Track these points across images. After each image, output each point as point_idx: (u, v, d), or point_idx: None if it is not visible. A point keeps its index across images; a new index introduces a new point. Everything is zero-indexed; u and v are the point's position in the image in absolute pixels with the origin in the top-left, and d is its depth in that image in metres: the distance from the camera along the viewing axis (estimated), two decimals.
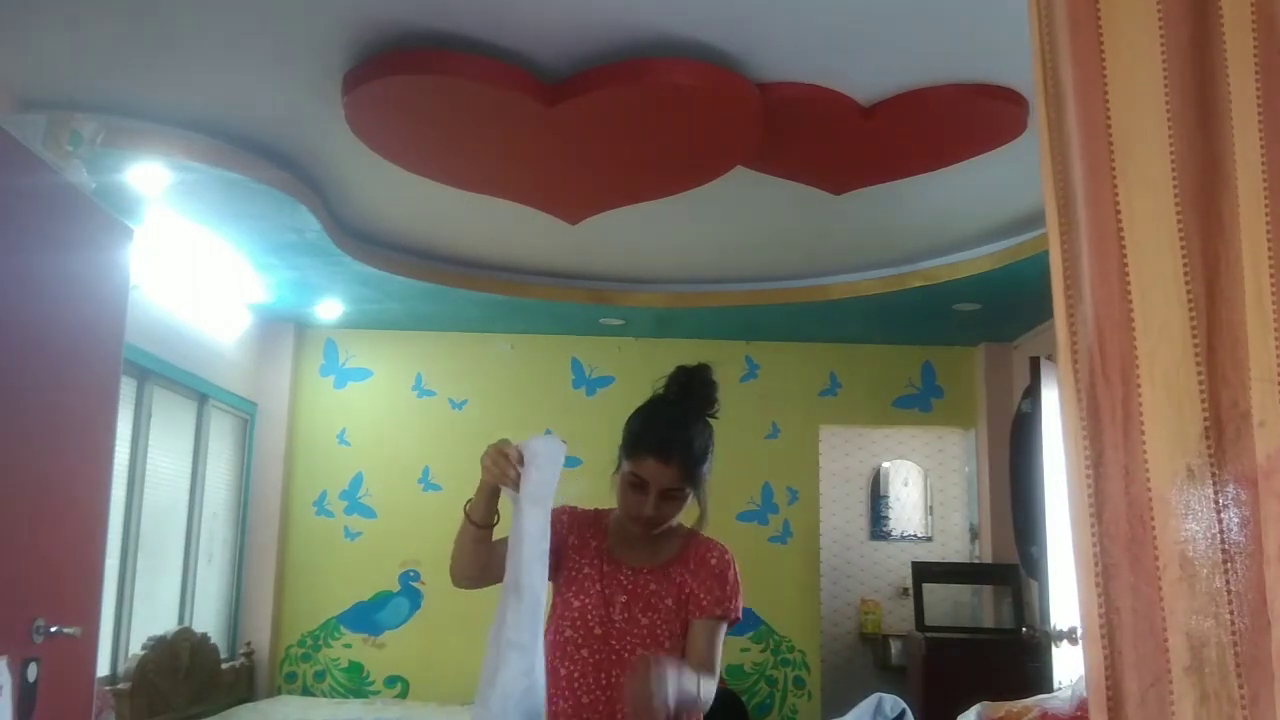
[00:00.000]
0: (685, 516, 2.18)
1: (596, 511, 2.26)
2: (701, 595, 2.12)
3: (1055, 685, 4.20)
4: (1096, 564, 0.96)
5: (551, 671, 2.08)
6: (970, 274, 4.99)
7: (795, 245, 5.02)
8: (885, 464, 7.54)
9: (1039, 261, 4.56)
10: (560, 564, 2.16)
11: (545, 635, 2.13)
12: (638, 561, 2.15)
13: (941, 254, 5.05)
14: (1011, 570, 5.91)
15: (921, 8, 2.90)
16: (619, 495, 2.13)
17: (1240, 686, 0.91)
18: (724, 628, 2.14)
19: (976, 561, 6.56)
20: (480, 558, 2.11)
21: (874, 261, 5.23)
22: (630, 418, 2.16)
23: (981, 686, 3.79)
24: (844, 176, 3.98)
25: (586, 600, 2.11)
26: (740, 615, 2.16)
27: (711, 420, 2.17)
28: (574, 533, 2.20)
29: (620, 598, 2.11)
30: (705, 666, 2.08)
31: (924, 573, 6.31)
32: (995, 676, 4.37)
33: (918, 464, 7.48)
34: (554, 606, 2.17)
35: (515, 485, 1.96)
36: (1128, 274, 0.99)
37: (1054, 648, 4.37)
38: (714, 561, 2.16)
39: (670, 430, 2.07)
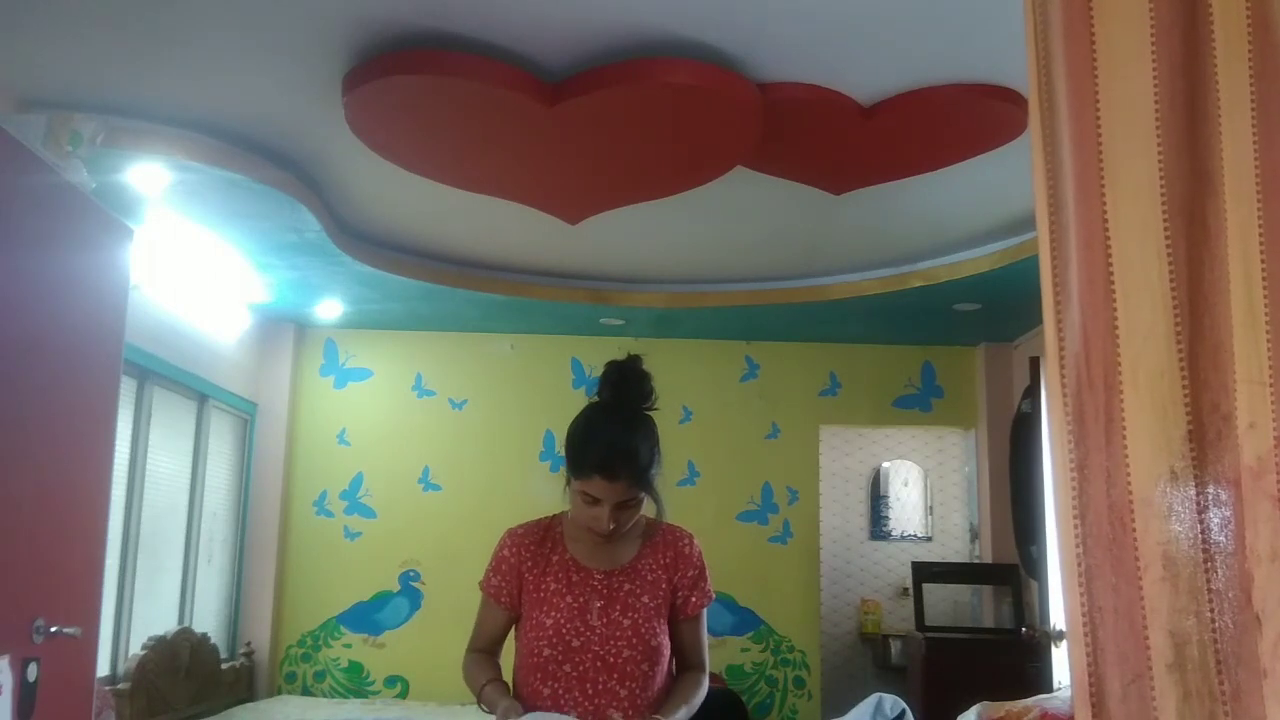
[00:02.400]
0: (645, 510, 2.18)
1: (543, 523, 2.21)
2: (688, 593, 2.14)
3: (1055, 685, 4.20)
4: (1079, 564, 0.98)
5: (533, 694, 2.05)
6: (970, 274, 4.99)
7: (795, 245, 5.02)
8: (885, 464, 7.54)
9: (1039, 262, 4.56)
10: (521, 590, 2.14)
11: (518, 659, 2.13)
12: (606, 564, 2.13)
13: (941, 254, 5.05)
14: (1011, 570, 5.92)
15: (921, 8, 2.90)
16: (574, 508, 2.10)
17: (1221, 683, 0.92)
18: (706, 615, 2.20)
19: (976, 561, 6.56)
20: None
21: (874, 261, 5.23)
22: (570, 430, 2.11)
23: (981, 686, 3.79)
24: (844, 176, 3.98)
25: (559, 615, 2.07)
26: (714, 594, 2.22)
27: (652, 414, 2.15)
28: (525, 558, 2.15)
29: (596, 603, 2.08)
30: (700, 665, 2.15)
31: (924, 573, 6.30)
32: (995, 676, 4.38)
33: (918, 464, 7.48)
34: (523, 630, 2.13)
35: None
36: (1113, 281, 1.01)
37: (1054, 648, 4.36)
38: (688, 550, 2.17)
39: (612, 444, 2.02)
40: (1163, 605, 0.94)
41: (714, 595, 2.20)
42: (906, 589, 6.98)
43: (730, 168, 3.80)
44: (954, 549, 7.20)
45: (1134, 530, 0.95)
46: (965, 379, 6.55)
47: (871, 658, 7.18)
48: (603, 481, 2.02)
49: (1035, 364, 4.83)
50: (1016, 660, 4.94)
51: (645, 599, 2.10)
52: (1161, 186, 1.00)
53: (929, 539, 7.40)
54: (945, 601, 6.65)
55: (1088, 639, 0.95)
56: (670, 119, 3.43)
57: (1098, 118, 1.02)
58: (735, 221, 4.67)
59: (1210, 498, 0.94)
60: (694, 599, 2.14)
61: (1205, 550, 0.93)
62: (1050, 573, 4.45)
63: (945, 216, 4.57)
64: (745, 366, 6.54)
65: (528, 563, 2.14)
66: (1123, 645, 0.94)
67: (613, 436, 2.04)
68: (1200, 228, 0.98)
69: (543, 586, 2.11)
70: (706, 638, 2.20)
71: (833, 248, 5.05)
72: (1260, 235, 0.96)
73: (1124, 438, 0.97)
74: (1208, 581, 0.92)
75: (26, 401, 2.60)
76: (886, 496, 7.54)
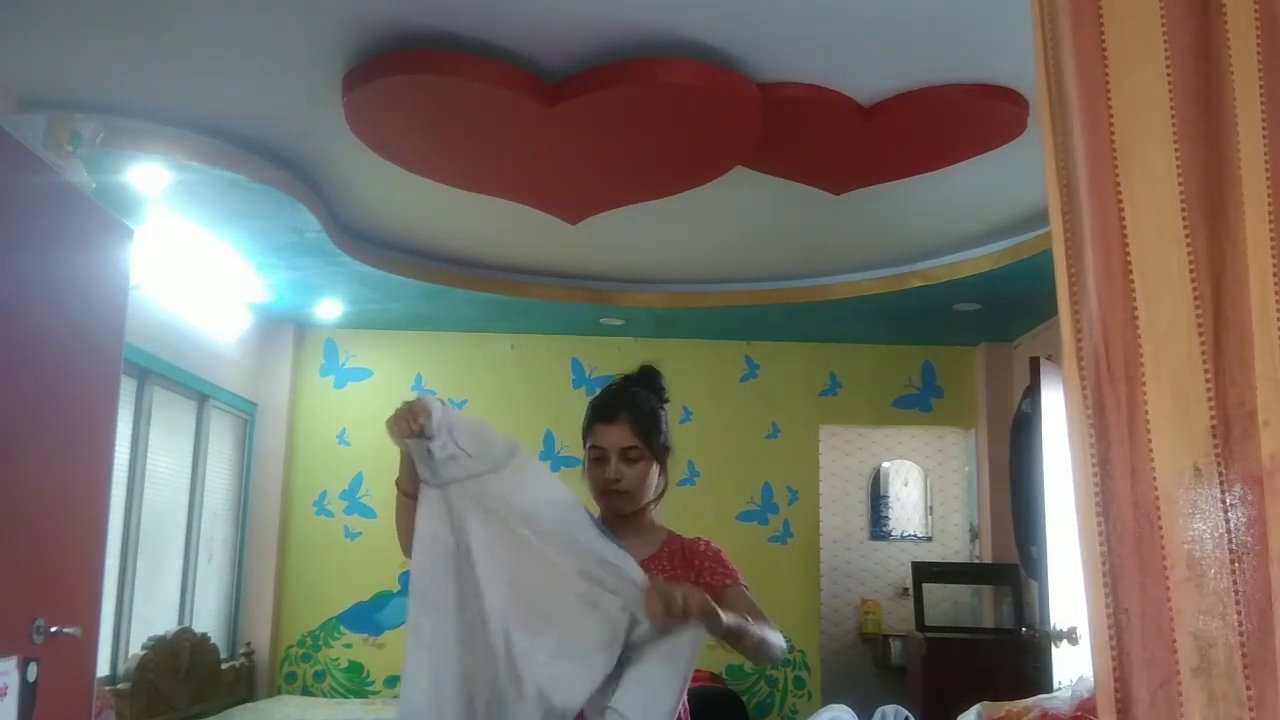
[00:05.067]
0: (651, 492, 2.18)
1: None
2: (710, 578, 2.11)
3: (1055, 685, 4.20)
4: (1104, 564, 0.95)
5: None
6: (970, 274, 4.99)
7: (795, 245, 5.02)
8: (885, 464, 7.54)
9: (1039, 261, 4.56)
10: None
11: None
12: None
13: (941, 254, 5.05)
14: (1011, 570, 5.92)
15: (921, 8, 2.90)
16: (589, 483, 2.17)
17: (1248, 688, 0.90)
18: (747, 591, 2.12)
19: (976, 561, 6.56)
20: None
21: (874, 261, 5.23)
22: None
23: (981, 686, 3.79)
24: (844, 176, 3.98)
25: None
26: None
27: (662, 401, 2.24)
28: None
29: None
30: (758, 618, 2.04)
31: (924, 573, 6.30)
32: (995, 676, 4.38)
33: (918, 464, 7.48)
34: None
35: (415, 435, 1.93)
36: (1131, 272, 0.99)
37: (1054, 648, 4.36)
38: (703, 548, 2.18)
39: (613, 395, 2.18)
40: (1187, 607, 0.92)
41: (742, 581, 2.14)
42: (906, 589, 6.97)
43: (730, 168, 3.80)
44: (954, 549, 7.19)
45: (1160, 528, 0.93)
46: (965, 379, 6.55)
47: (871, 658, 7.17)
48: (603, 426, 2.12)
49: (1035, 364, 4.83)
50: (1016, 660, 4.94)
51: None
52: (1179, 175, 0.98)
53: (929, 539, 7.40)
54: (945, 601, 6.64)
55: (1113, 642, 0.94)
56: (670, 119, 3.43)
57: (1109, 106, 1.01)
58: (735, 221, 4.67)
59: (1236, 496, 0.93)
60: (716, 578, 2.11)
61: (1231, 550, 0.92)
62: (1050, 573, 4.45)
63: (945, 216, 4.57)
64: (745, 366, 6.54)
65: None
66: (1150, 649, 0.92)
67: (613, 391, 2.21)
68: (1220, 219, 0.97)
69: None
70: (757, 605, 2.08)
71: (833, 248, 5.05)
72: (1271, 229, 0.95)
73: (1148, 431, 0.96)
74: (1234, 583, 0.91)
75: (26, 401, 2.59)
76: (886, 496, 7.54)
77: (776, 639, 2.04)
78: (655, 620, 1.86)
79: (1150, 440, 0.96)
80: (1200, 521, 0.94)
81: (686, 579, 2.10)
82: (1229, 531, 0.93)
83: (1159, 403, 0.97)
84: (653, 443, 2.14)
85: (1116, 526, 0.95)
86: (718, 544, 2.22)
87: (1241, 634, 0.90)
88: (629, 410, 2.13)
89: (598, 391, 2.25)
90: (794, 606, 6.35)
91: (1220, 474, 0.94)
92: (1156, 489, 0.95)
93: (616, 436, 2.11)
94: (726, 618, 1.89)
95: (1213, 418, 0.95)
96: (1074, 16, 1.03)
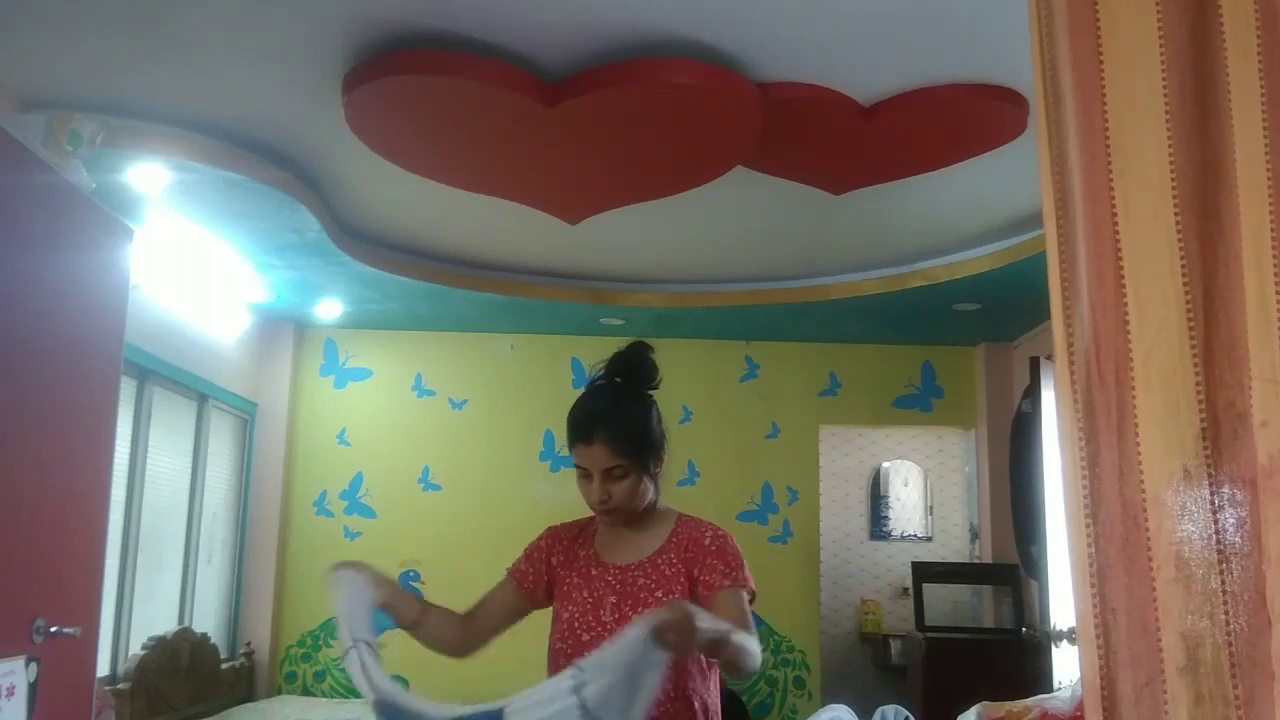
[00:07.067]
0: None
1: (580, 522, 2.22)
2: (705, 575, 2.02)
3: (1055, 685, 4.20)
4: (1091, 565, 0.96)
5: None
6: (970, 274, 4.99)
7: (795, 245, 5.02)
8: (885, 464, 7.54)
9: (1039, 261, 4.54)
10: (551, 584, 2.16)
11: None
12: (625, 559, 2.10)
13: (941, 254, 5.05)
14: (1011, 570, 5.92)
15: (921, 8, 2.90)
16: (582, 495, 2.11)
17: (1235, 687, 0.90)
18: (743, 595, 2.01)
19: (976, 561, 6.56)
20: (445, 642, 2.23)
21: (874, 261, 5.23)
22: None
23: (981, 686, 3.79)
24: (844, 176, 3.98)
25: (574, 610, 2.07)
26: (754, 586, 2.05)
27: (651, 392, 2.15)
28: (556, 551, 2.17)
29: (609, 599, 2.05)
30: (741, 628, 1.92)
31: (924, 573, 6.30)
32: (995, 676, 4.37)
33: (918, 464, 7.48)
34: (552, 622, 2.15)
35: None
36: (1123, 276, 0.99)
37: (1054, 648, 4.37)
38: (708, 540, 2.07)
39: (589, 412, 2.08)
40: (1174, 607, 0.92)
41: (748, 583, 2.02)
42: (906, 589, 6.98)
43: (730, 168, 3.80)
44: (954, 549, 7.20)
45: (1147, 529, 0.94)
46: (965, 379, 6.55)
47: (871, 658, 7.17)
48: (581, 446, 2.05)
49: (1035, 364, 4.83)
50: (1016, 660, 4.94)
51: (659, 594, 2.02)
52: (1172, 180, 0.98)
53: (929, 539, 7.40)
54: (945, 601, 6.64)
55: (1099, 641, 0.94)
56: (670, 119, 3.43)
57: (1105, 110, 1.01)
58: (735, 221, 4.67)
59: (1225, 497, 0.93)
60: (712, 578, 2.01)
61: (1220, 551, 0.92)
62: (1050, 573, 4.45)
63: (945, 216, 4.57)
64: (745, 366, 6.54)
65: (559, 555, 2.16)
66: (1135, 648, 0.92)
67: (590, 405, 2.10)
68: (1214, 222, 0.97)
69: (567, 582, 2.12)
70: (746, 614, 1.98)
71: (833, 248, 5.05)
72: (1272, 231, 0.94)
73: (1136, 435, 0.96)
74: (1223, 583, 0.91)
75: (26, 401, 2.60)
76: (886, 496, 7.54)
77: (755, 649, 1.91)
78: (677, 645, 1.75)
79: (1139, 443, 0.96)
80: (1189, 523, 0.94)
81: (685, 574, 2.03)
82: (1218, 533, 0.93)
83: (1148, 406, 0.96)
84: (637, 455, 2.05)
85: (1104, 529, 0.96)
86: (726, 532, 2.11)
87: (1230, 634, 0.91)
88: (605, 429, 2.03)
89: (580, 395, 2.15)
90: (794, 606, 6.35)
91: (1210, 476, 0.94)
92: (1144, 491, 0.95)
93: (597, 458, 2.03)
94: (705, 631, 1.73)
95: (1203, 420, 0.95)
96: (1070, 18, 1.03)
